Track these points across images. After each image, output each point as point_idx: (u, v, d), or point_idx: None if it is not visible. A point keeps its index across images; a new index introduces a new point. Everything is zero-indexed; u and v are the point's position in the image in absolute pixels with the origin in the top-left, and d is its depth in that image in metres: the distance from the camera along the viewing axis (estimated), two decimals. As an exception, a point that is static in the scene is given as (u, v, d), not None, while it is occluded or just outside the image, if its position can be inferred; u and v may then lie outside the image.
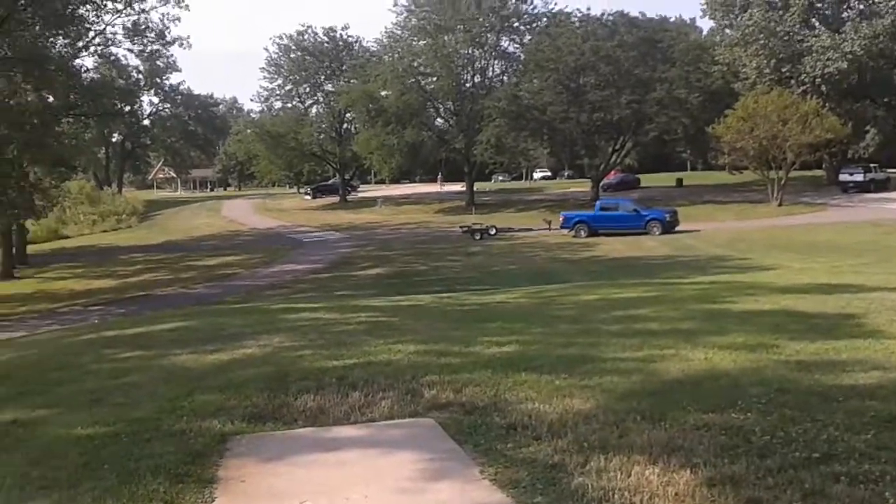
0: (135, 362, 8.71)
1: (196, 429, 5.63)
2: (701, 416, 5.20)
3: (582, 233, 39.53)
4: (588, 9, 67.34)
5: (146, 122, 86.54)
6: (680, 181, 66.73)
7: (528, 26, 62.51)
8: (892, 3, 54.08)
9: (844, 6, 57.97)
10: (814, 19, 57.50)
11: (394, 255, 36.25)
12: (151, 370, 8.02)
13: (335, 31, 72.55)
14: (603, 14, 60.14)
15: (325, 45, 72.40)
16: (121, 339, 11.18)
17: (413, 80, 60.60)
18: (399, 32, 63.99)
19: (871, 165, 55.45)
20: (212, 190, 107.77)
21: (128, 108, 62.80)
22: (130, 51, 58.07)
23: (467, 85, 62.28)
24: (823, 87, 52.64)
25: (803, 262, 24.73)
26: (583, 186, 64.18)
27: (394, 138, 60.10)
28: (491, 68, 63.83)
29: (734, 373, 6.39)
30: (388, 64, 61.50)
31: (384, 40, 65.68)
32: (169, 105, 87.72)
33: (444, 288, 22.26)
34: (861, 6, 57.25)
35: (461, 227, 43.44)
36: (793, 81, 53.91)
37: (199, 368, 7.83)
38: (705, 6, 61.21)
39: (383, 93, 60.72)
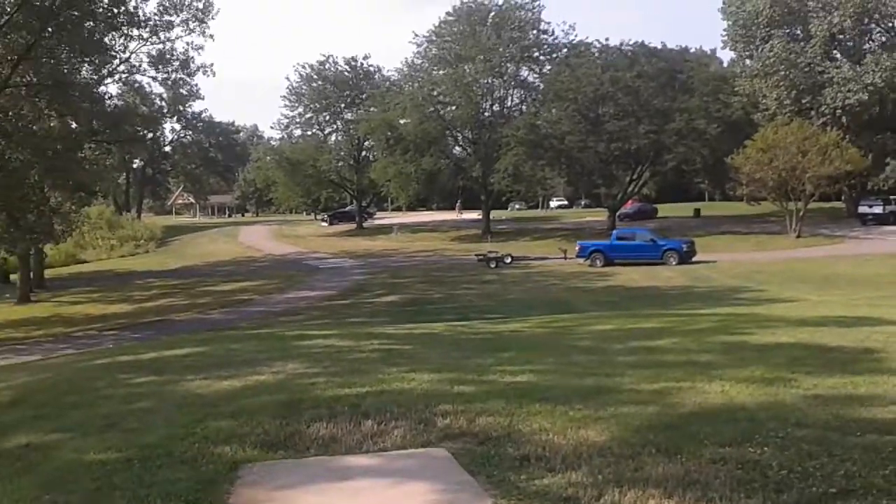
0: (148, 388, 8.72)
1: (208, 455, 5.61)
2: (717, 450, 5.12)
3: (598, 262, 39.39)
4: (606, 39, 67.43)
5: (167, 148, 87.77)
6: (698, 211, 66.53)
7: (548, 56, 63.00)
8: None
9: (866, 38, 58.10)
10: (835, 51, 57.62)
11: (408, 283, 36.24)
12: (164, 396, 8.03)
13: (356, 61, 73.54)
14: (622, 44, 60.59)
15: (346, 74, 73.23)
16: (135, 364, 11.21)
17: (432, 108, 61.04)
18: (419, 62, 64.70)
19: (891, 198, 55.03)
20: (230, 216, 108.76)
21: (150, 135, 63.56)
22: (154, 79, 59.06)
23: (486, 114, 62.59)
24: (844, 119, 52.59)
25: (821, 294, 24.52)
26: (599, 216, 64.12)
27: (411, 166, 60.40)
28: (510, 97, 64.31)
29: (751, 406, 6.31)
30: (408, 93, 62.08)
31: (404, 69, 66.47)
32: (190, 132, 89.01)
33: (458, 316, 22.21)
34: (883, 38, 57.35)
35: (477, 255, 43.39)
36: (813, 113, 53.89)
37: (211, 395, 7.83)
38: (726, 37, 61.60)
39: (402, 121, 61.14)
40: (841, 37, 57.22)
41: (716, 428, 5.63)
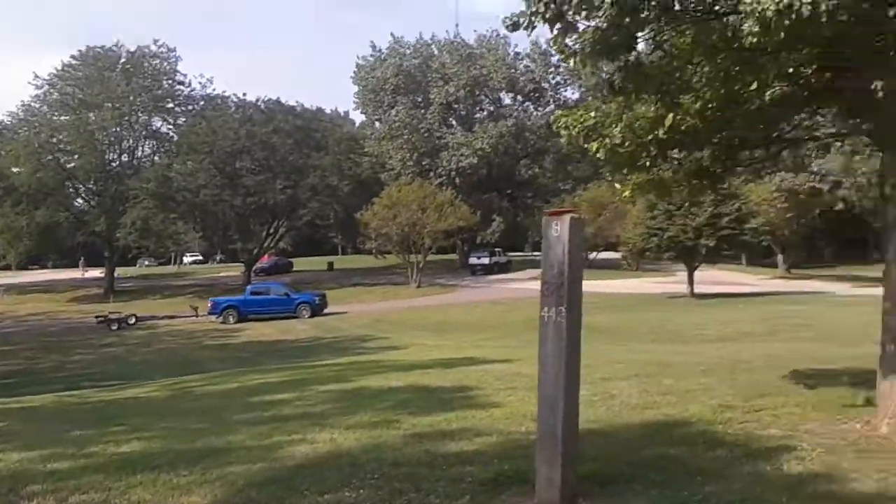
0: None
1: None
2: (317, 499, 5.26)
3: (231, 318, 38.67)
4: (244, 94, 67.66)
5: None
6: (331, 265, 68.83)
7: (183, 108, 61.25)
8: (516, 106, 63.06)
9: (477, 108, 66.15)
10: (451, 118, 64.69)
11: (13, 351, 31.95)
12: None
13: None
14: (258, 100, 61.24)
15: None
16: None
17: (51, 157, 55.59)
18: (38, 106, 58.68)
19: (496, 250, 62.51)
20: None
21: None
22: None
23: (113, 164, 58.87)
24: (457, 180, 59.10)
25: (435, 339, 26.62)
26: (235, 271, 63.33)
27: (23, 219, 54.50)
28: (141, 148, 61.41)
29: (355, 451, 6.61)
30: (23, 139, 55.65)
31: (19, 114, 59.54)
32: None
33: (69, 385, 20.09)
34: (491, 108, 65.82)
35: (97, 317, 40.08)
36: (432, 174, 59.57)
37: None
38: (357, 101, 65.74)
39: (14, 169, 54.73)
40: (456, 106, 64.53)
41: (320, 476, 5.80)
